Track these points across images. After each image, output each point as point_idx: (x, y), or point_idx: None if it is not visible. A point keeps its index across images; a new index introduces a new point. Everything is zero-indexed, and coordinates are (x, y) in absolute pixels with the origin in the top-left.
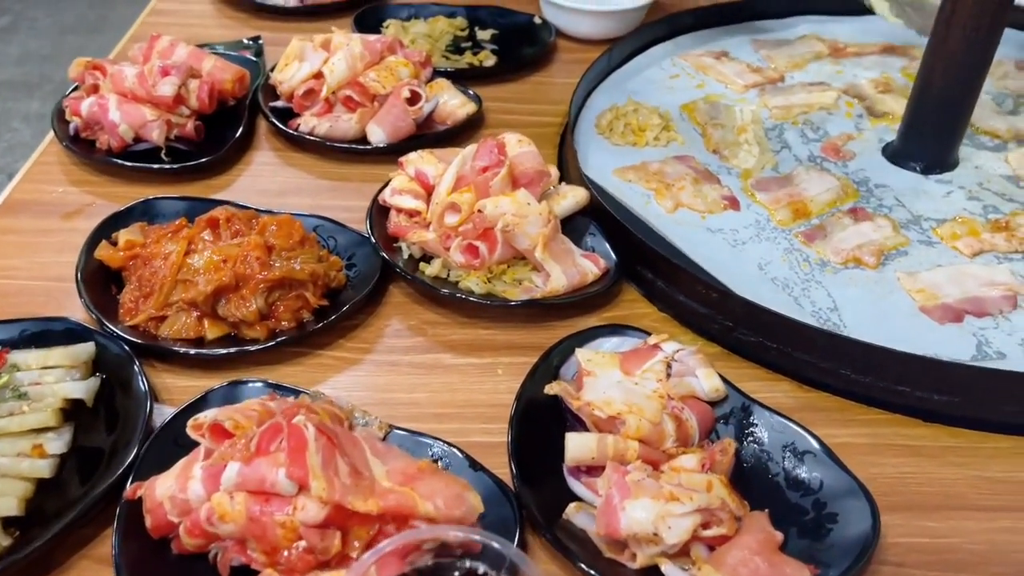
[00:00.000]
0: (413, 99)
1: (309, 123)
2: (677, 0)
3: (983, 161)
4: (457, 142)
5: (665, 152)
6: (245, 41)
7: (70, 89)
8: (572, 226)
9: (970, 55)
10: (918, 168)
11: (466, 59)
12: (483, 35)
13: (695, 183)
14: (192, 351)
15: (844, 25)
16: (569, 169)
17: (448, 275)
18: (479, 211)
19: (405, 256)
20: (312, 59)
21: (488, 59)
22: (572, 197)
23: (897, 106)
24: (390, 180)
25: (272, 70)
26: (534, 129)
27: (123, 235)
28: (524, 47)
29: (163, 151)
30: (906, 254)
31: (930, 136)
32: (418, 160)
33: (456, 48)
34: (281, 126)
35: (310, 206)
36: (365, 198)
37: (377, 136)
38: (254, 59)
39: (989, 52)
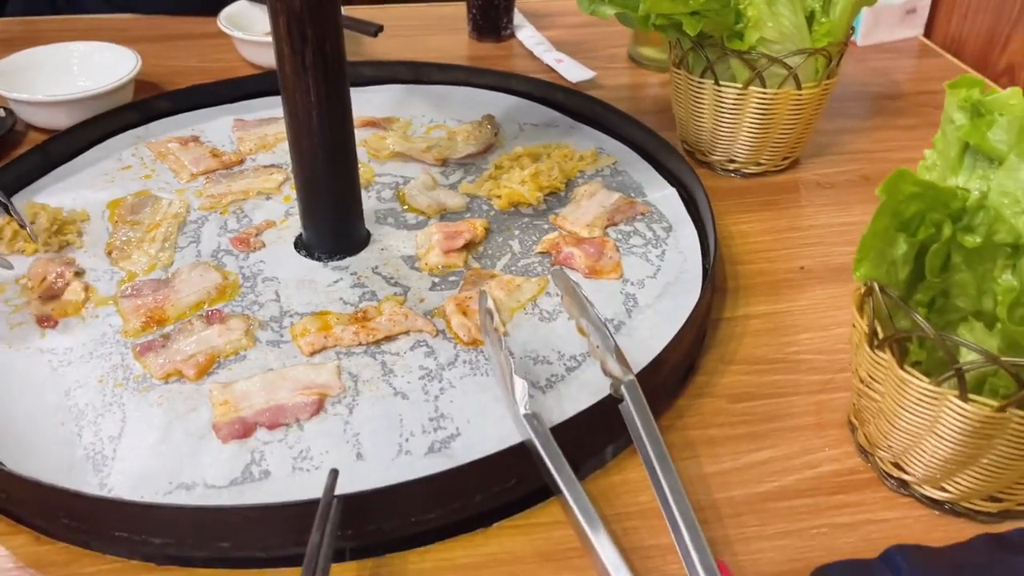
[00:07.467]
0: None
1: None
2: (170, 76)
3: (395, 240)
4: None
5: (54, 258)
6: None
7: None
8: None
9: (323, 146)
10: (322, 256)
11: None
12: None
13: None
14: None
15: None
16: None
17: None
18: None
19: None
20: None
21: None
22: None
23: None
24: None
25: None
26: None
27: None
28: None
29: None
30: (243, 359)
31: (323, 225)
32: None
33: None
34: None
35: None
36: None
37: None
38: None
39: (344, 142)
